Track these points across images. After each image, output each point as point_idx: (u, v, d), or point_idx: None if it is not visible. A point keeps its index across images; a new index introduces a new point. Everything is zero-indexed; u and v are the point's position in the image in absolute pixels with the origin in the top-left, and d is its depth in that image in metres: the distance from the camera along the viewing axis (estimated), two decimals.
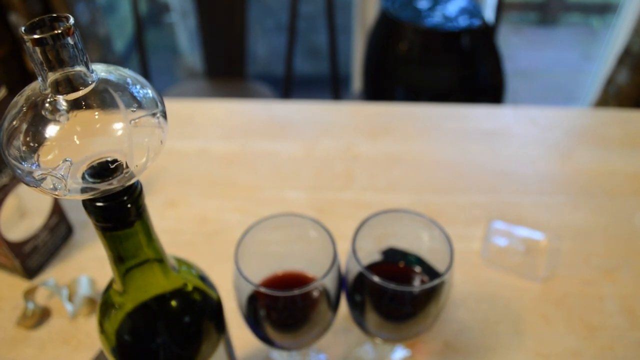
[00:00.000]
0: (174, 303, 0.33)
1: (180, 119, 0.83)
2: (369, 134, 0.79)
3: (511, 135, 0.79)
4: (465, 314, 0.54)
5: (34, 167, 0.23)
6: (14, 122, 0.23)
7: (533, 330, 0.53)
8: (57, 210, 0.60)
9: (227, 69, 1.47)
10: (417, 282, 0.46)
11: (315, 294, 0.40)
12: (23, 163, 0.23)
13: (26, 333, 0.53)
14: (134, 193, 0.27)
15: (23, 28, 0.22)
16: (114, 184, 0.24)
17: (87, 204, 0.26)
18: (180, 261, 0.35)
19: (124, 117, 0.24)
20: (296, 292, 0.37)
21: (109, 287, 0.33)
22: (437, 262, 0.44)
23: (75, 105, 0.23)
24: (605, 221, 0.64)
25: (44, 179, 0.23)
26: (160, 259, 0.31)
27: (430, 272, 0.45)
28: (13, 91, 0.35)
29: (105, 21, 1.66)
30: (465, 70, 1.38)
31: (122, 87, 0.24)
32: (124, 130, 0.24)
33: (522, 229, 0.62)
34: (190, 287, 0.34)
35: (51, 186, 0.23)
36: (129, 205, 0.26)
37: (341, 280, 0.42)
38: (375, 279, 0.38)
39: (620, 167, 0.72)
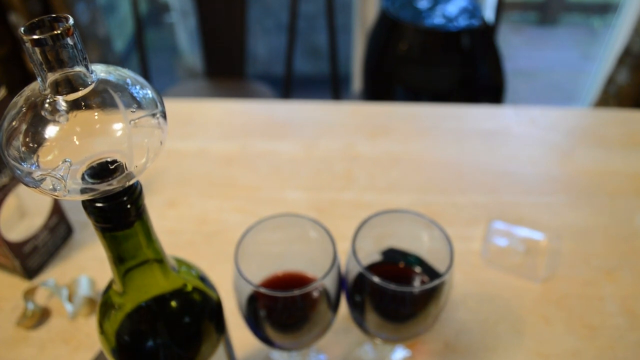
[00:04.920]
0: (173, 303, 0.33)
1: (180, 119, 0.83)
2: (369, 134, 0.79)
3: (511, 135, 0.79)
4: (465, 314, 0.54)
5: (33, 168, 0.23)
6: (14, 123, 0.23)
7: (533, 330, 0.52)
8: (57, 210, 0.60)
9: (227, 69, 1.47)
10: (417, 283, 0.46)
11: (315, 294, 0.40)
12: (22, 164, 0.23)
13: (26, 333, 0.52)
14: (134, 193, 0.27)
15: (22, 28, 0.22)
16: (114, 184, 0.24)
17: (87, 205, 0.26)
18: (180, 261, 0.35)
19: (123, 118, 0.24)
20: (296, 292, 0.37)
21: (109, 287, 0.33)
22: (437, 262, 0.44)
23: (74, 105, 0.23)
24: (605, 221, 0.64)
25: (43, 179, 0.23)
26: (160, 260, 0.31)
27: (430, 273, 0.45)
28: (13, 91, 0.34)
29: (105, 21, 1.66)
30: (465, 70, 1.38)
31: (121, 88, 0.24)
32: (123, 130, 0.24)
33: (522, 229, 0.62)
34: (190, 288, 0.34)
35: (50, 187, 0.23)
36: (128, 206, 0.26)
37: (341, 281, 0.42)
38: (375, 279, 0.38)
39: (620, 167, 0.72)
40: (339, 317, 0.44)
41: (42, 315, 0.54)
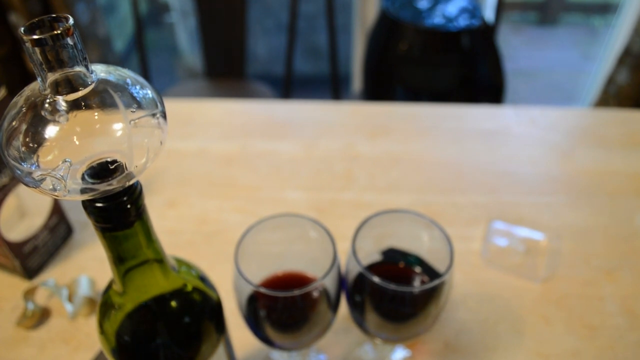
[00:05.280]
0: (173, 303, 0.33)
1: (180, 119, 0.83)
2: (369, 134, 0.79)
3: (511, 135, 0.79)
4: (465, 314, 0.54)
5: (33, 168, 0.23)
6: (14, 123, 0.23)
7: (533, 330, 0.52)
8: (57, 210, 0.60)
9: (227, 69, 1.47)
10: (417, 283, 0.46)
11: (315, 294, 0.40)
12: (22, 164, 0.23)
13: (26, 333, 0.52)
14: (134, 193, 0.27)
15: (22, 28, 0.22)
16: (114, 184, 0.24)
17: (87, 205, 0.26)
18: (180, 261, 0.35)
19: (123, 118, 0.24)
20: (296, 292, 0.37)
21: (109, 287, 0.33)
22: (437, 262, 0.44)
23: (74, 105, 0.23)
24: (605, 221, 0.64)
25: (43, 179, 0.23)
26: (160, 260, 0.31)
27: (430, 273, 0.45)
28: (13, 91, 0.34)
29: (105, 21, 1.66)
30: (465, 70, 1.38)
31: (121, 88, 0.24)
32: (123, 130, 0.24)
33: (522, 229, 0.62)
34: (190, 288, 0.34)
35: (50, 187, 0.23)
36: (128, 206, 0.26)
37: (341, 281, 0.42)
38: (375, 279, 0.38)
39: (620, 167, 0.72)
40: (339, 317, 0.44)
41: (42, 315, 0.54)
